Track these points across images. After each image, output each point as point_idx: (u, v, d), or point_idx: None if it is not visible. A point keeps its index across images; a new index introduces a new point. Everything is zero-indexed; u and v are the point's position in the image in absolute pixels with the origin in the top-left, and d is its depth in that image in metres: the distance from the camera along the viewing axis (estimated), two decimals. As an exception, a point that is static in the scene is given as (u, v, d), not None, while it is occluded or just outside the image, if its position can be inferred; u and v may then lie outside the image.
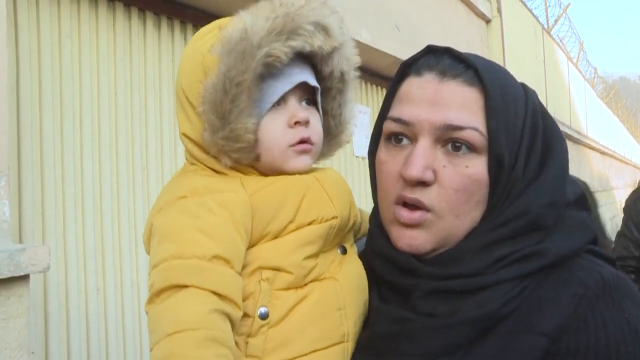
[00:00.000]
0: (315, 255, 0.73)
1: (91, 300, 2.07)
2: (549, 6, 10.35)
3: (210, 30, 0.76)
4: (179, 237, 0.68)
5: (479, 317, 0.65)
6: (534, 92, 0.76)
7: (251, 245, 0.71)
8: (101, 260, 2.13)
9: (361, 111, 3.82)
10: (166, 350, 0.62)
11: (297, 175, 0.76)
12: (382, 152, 0.75)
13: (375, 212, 0.79)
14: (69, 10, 2.10)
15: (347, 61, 0.78)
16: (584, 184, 1.85)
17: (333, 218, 0.75)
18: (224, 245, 0.68)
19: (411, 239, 0.71)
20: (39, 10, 2.00)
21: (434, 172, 0.69)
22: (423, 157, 0.69)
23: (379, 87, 4.22)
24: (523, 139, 0.71)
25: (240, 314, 0.68)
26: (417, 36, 4.15)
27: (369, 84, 4.08)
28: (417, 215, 0.70)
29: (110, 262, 2.16)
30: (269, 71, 0.71)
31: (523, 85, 0.76)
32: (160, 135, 2.40)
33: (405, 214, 0.70)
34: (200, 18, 2.64)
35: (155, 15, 2.44)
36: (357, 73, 0.80)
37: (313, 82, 0.76)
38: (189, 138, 0.76)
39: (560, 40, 11.21)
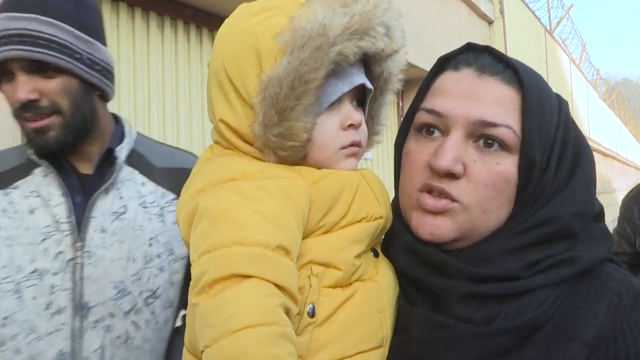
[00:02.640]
0: (360, 255, 0.70)
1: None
2: (552, 7, 10.35)
3: (262, 11, 0.69)
4: (239, 221, 0.61)
5: (519, 326, 0.65)
6: (566, 102, 0.77)
7: (303, 238, 0.66)
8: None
9: (363, 112, 3.82)
10: (234, 349, 0.56)
11: (347, 170, 0.73)
12: (411, 143, 0.75)
13: (395, 202, 0.78)
14: (73, 11, 2.11)
15: (397, 64, 0.76)
16: None
17: (380, 218, 0.72)
18: (286, 233, 0.62)
19: (433, 227, 0.69)
20: (43, 11, 2.01)
21: (464, 165, 0.69)
22: (454, 149, 0.68)
23: (381, 88, 4.22)
24: (555, 145, 0.71)
25: (297, 309, 0.62)
26: (420, 37, 4.15)
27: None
28: (443, 203, 0.69)
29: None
30: (333, 70, 0.67)
31: (558, 95, 0.77)
32: (163, 135, 2.41)
33: (430, 201, 0.69)
34: (203, 18, 2.64)
35: (158, 15, 2.45)
36: (402, 76, 0.78)
37: (369, 84, 0.73)
38: (228, 125, 0.70)
39: (563, 42, 11.21)
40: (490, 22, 6.04)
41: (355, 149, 0.73)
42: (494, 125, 0.69)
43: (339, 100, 0.71)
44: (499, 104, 0.69)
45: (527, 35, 7.58)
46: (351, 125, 0.72)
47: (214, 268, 0.60)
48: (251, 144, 0.70)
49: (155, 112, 2.38)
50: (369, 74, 0.74)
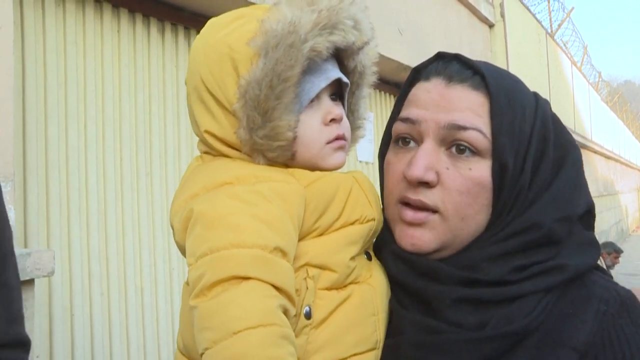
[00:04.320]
0: (355, 257, 0.71)
1: (95, 305, 2.08)
2: (553, 10, 10.35)
3: (232, 21, 0.72)
4: (236, 224, 0.62)
5: (511, 332, 0.66)
6: (546, 101, 0.77)
7: (298, 240, 0.67)
8: (105, 265, 2.14)
9: (364, 116, 3.82)
10: (235, 351, 0.56)
11: (339, 172, 0.74)
12: (391, 154, 0.77)
13: (382, 212, 0.79)
14: (74, 16, 2.12)
15: (369, 57, 0.78)
16: None
17: (372, 220, 0.73)
18: (283, 236, 0.63)
19: (414, 238, 0.71)
20: (44, 16, 2.02)
21: (437, 174, 0.70)
22: (425, 157, 0.70)
23: (382, 92, 4.22)
24: (531, 145, 0.71)
25: (295, 310, 0.63)
26: (420, 41, 4.16)
27: (371, 89, 4.07)
28: (422, 215, 0.70)
29: (115, 267, 2.16)
30: (308, 66, 0.69)
31: (535, 95, 0.77)
32: (164, 141, 2.41)
33: (410, 214, 0.71)
34: (204, 23, 2.65)
35: (159, 21, 2.45)
36: (376, 69, 0.80)
37: (345, 78, 0.75)
38: (214, 135, 0.72)
39: (564, 44, 11.20)
40: (491, 26, 6.04)
41: (341, 142, 0.75)
42: (463, 128, 0.70)
43: (318, 97, 0.72)
44: (467, 108, 0.71)
45: (528, 38, 7.58)
46: (333, 120, 0.73)
47: (213, 270, 0.60)
48: (239, 150, 0.71)
49: (157, 116, 2.39)
50: (343, 69, 0.76)
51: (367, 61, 0.78)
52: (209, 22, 0.75)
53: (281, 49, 0.66)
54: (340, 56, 0.75)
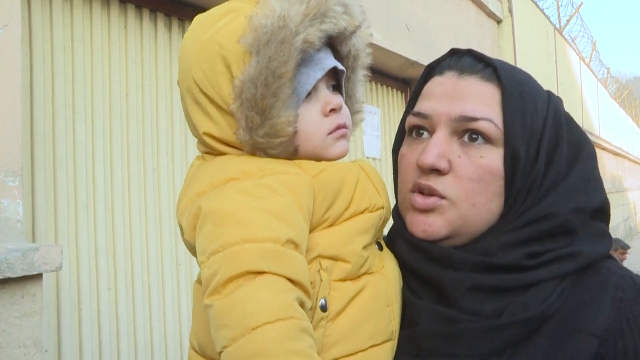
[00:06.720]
0: (367, 246, 0.71)
1: (103, 299, 2.09)
2: (561, 6, 10.26)
3: (219, 18, 0.70)
4: (246, 219, 0.61)
5: (528, 318, 0.67)
6: (559, 99, 0.79)
7: (309, 232, 0.66)
8: (112, 260, 2.15)
9: (371, 112, 3.82)
10: (255, 347, 0.55)
11: (345, 162, 0.73)
12: (404, 146, 0.79)
13: (396, 204, 0.81)
14: (81, 12, 2.12)
15: (362, 39, 0.76)
16: None
17: (382, 208, 0.73)
18: (294, 228, 0.63)
19: (425, 225, 0.72)
20: (52, 13, 2.03)
21: (449, 162, 0.72)
22: (438, 145, 0.72)
23: (389, 88, 4.21)
24: (544, 136, 0.73)
25: (310, 303, 0.63)
26: (428, 37, 4.14)
27: (379, 85, 4.07)
28: (431, 200, 0.72)
29: (122, 262, 2.18)
30: (302, 58, 0.68)
31: (548, 92, 0.79)
32: (171, 137, 2.42)
33: (419, 199, 0.72)
34: (210, 19, 2.64)
35: (166, 16, 2.46)
36: (370, 50, 0.79)
37: (341, 66, 0.74)
38: (213, 137, 0.71)
39: (573, 40, 11.10)
40: (498, 21, 6.00)
41: (343, 130, 0.74)
42: (474, 119, 0.71)
43: (315, 88, 0.71)
44: (479, 99, 0.72)
45: (536, 34, 7.52)
46: (332, 110, 0.72)
47: (226, 267, 0.59)
48: (241, 149, 0.70)
49: (164, 111, 2.39)
50: (336, 54, 0.75)
51: (360, 44, 0.76)
52: (196, 19, 0.73)
53: (273, 45, 0.64)
54: (333, 42, 0.74)
